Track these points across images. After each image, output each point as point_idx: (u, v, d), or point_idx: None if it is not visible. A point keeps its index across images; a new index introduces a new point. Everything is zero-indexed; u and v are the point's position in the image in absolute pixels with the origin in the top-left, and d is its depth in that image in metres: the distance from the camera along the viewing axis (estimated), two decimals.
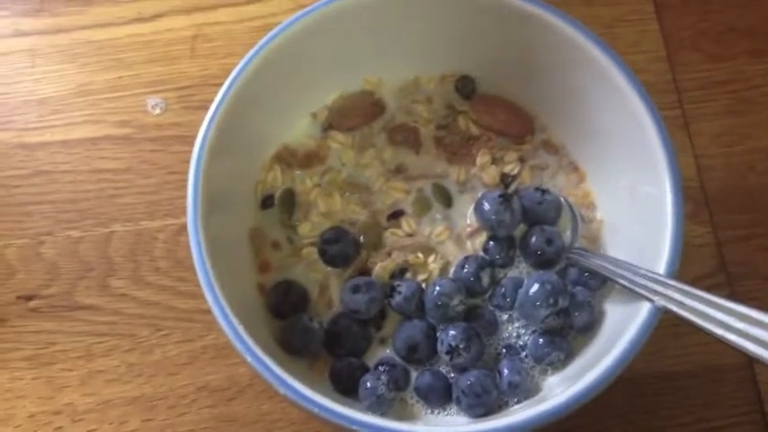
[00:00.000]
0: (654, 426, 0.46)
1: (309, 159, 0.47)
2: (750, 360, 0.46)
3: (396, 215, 0.45)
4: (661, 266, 0.37)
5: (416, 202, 0.46)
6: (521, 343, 0.42)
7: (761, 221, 0.51)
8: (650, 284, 0.36)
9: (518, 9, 0.42)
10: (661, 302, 0.35)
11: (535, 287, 0.40)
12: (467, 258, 0.43)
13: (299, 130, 0.47)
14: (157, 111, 0.54)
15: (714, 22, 0.56)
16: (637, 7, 0.56)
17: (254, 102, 0.42)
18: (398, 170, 0.47)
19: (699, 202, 0.51)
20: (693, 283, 0.35)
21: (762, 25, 0.56)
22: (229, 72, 0.41)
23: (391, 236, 0.45)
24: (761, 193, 0.51)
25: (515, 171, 0.46)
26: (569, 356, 0.40)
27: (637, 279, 0.37)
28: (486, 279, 0.43)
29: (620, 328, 0.37)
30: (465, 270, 0.43)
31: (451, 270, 0.44)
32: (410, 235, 0.45)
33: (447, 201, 0.46)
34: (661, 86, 0.54)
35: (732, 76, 0.55)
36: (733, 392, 0.46)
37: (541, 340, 0.41)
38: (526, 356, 0.41)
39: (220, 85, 0.41)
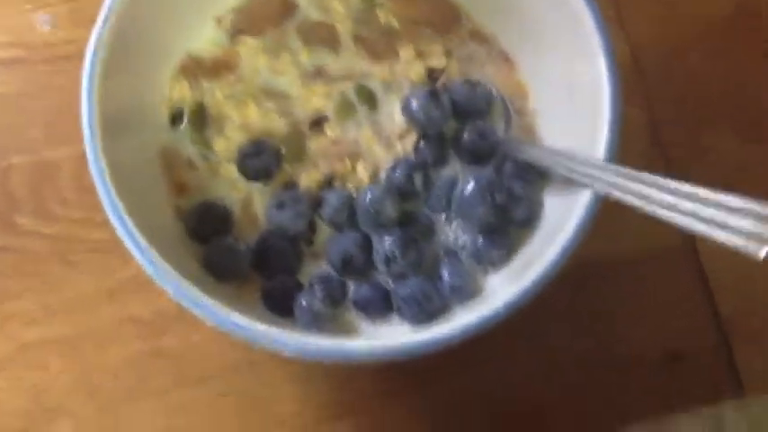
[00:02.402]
0: (600, 312, 0.45)
1: (218, 69, 0.43)
2: (692, 238, 0.45)
3: (318, 122, 0.42)
4: (600, 152, 0.35)
5: (339, 107, 0.42)
6: (460, 244, 0.40)
7: (696, 101, 0.49)
8: (589, 171, 0.34)
9: None
10: (602, 188, 0.33)
11: (471, 185, 0.38)
12: (397, 162, 0.41)
13: (203, 38, 0.43)
14: (47, 27, 0.49)
15: None
16: None
17: (149, 7, 0.38)
18: (317, 73, 0.43)
19: (632, 83, 0.49)
20: (631, 165, 0.33)
21: None
22: None
23: (315, 144, 0.42)
24: (697, 73, 0.50)
25: (442, 65, 0.43)
26: (510, 253, 0.39)
27: (575, 167, 0.35)
28: (419, 181, 0.40)
29: (561, 220, 0.35)
30: (396, 174, 0.40)
31: (382, 175, 0.41)
32: (335, 142, 0.42)
33: (372, 102, 0.43)
34: None
35: None
36: (677, 273, 0.46)
37: (481, 239, 0.39)
38: (466, 257, 0.40)
39: None
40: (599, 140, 0.35)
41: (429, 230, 0.40)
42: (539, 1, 0.40)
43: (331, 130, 0.42)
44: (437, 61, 0.43)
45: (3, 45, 0.48)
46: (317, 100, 0.42)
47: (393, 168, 0.41)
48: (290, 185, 0.41)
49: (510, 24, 0.43)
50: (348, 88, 0.43)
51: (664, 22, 0.51)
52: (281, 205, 0.39)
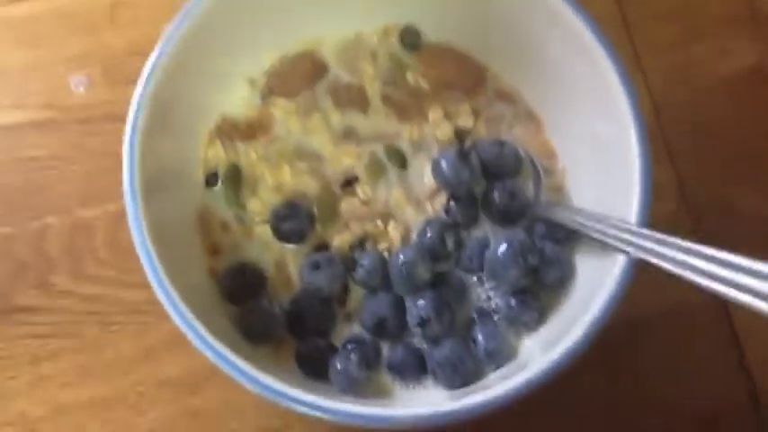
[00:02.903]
0: (629, 371, 0.45)
1: (252, 130, 0.44)
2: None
3: (349, 182, 0.43)
4: (632, 215, 0.35)
5: (370, 167, 0.43)
6: (492, 306, 0.40)
7: (722, 155, 0.49)
8: (623, 235, 0.34)
9: None
10: (637, 254, 0.34)
11: (503, 247, 0.38)
12: (428, 222, 0.41)
13: (238, 100, 0.44)
14: (81, 89, 0.50)
15: None
16: None
17: (187, 70, 0.39)
18: (348, 134, 0.44)
19: (657, 140, 0.49)
20: (658, 224, 0.33)
21: None
22: (155, 41, 0.38)
23: (347, 205, 0.42)
24: (720, 125, 0.50)
25: (470, 125, 0.44)
26: (543, 315, 0.39)
27: (608, 230, 0.35)
28: (450, 242, 0.41)
29: (595, 283, 0.35)
30: (428, 235, 0.41)
31: (413, 236, 0.42)
32: (366, 202, 0.42)
33: (401, 162, 0.43)
34: (608, 19, 0.52)
35: (682, 5, 0.53)
36: (707, 330, 0.45)
37: (513, 301, 0.39)
38: (499, 319, 0.40)
39: (147, 55, 0.38)
40: (630, 204, 0.35)
41: (461, 292, 0.40)
42: (563, 59, 0.40)
43: (362, 191, 0.43)
44: (465, 121, 0.44)
45: (37, 107, 0.49)
46: (348, 160, 0.43)
47: (424, 229, 0.41)
48: (323, 246, 0.42)
49: (535, 83, 0.43)
50: (378, 148, 0.43)
51: (683, 78, 0.51)
52: (315, 266, 0.39)
